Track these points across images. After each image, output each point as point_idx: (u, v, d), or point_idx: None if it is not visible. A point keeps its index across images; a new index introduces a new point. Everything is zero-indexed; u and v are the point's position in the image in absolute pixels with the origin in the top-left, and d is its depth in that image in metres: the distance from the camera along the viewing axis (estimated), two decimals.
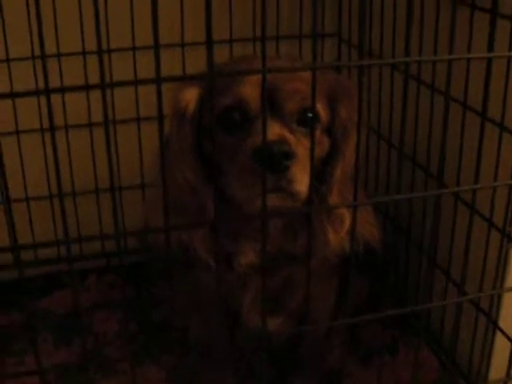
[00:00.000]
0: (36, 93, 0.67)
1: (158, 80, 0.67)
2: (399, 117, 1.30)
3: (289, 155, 0.97)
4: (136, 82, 0.69)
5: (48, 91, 0.66)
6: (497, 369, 1.28)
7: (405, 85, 0.85)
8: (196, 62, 1.55)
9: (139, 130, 1.68)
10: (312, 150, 0.81)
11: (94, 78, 1.46)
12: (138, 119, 1.67)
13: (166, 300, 1.60)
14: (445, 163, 1.02)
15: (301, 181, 1.00)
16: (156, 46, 0.65)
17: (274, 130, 1.01)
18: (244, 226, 1.15)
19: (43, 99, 1.36)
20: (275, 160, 0.96)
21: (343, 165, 1.12)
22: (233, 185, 1.03)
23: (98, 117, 1.60)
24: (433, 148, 1.33)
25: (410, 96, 1.25)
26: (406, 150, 1.39)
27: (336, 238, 1.12)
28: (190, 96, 1.11)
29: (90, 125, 1.64)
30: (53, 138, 0.70)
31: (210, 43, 0.68)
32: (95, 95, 1.52)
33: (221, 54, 1.17)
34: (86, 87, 0.68)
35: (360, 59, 0.81)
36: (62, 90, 0.82)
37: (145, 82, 0.69)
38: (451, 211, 1.27)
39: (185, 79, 0.70)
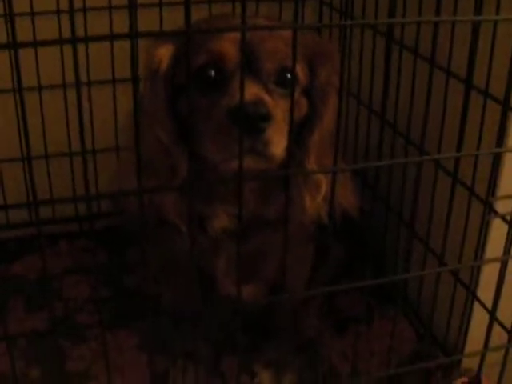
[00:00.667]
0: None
1: (132, 35, 0.64)
2: (380, 82, 1.29)
3: (265, 117, 0.95)
4: (112, 37, 0.65)
5: (16, 45, 0.63)
6: (474, 340, 1.27)
7: (387, 49, 0.83)
8: (175, 23, 1.51)
9: (114, 90, 1.64)
10: (291, 112, 0.79)
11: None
12: (114, 80, 1.63)
13: (139, 265, 1.58)
14: (426, 131, 1.00)
15: (277, 143, 0.98)
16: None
17: (251, 90, 0.97)
18: (218, 188, 1.13)
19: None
20: (251, 121, 0.93)
21: (321, 129, 1.10)
22: (207, 146, 1.00)
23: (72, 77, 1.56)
24: (414, 115, 1.30)
25: (392, 61, 1.23)
26: (386, 117, 1.37)
27: (313, 204, 1.10)
28: (164, 53, 1.07)
29: (64, 85, 1.60)
30: (21, 98, 0.67)
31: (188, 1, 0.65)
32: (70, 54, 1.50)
33: (199, 15, 1.13)
34: (60, 41, 0.64)
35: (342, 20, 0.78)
36: (34, 44, 0.79)
37: (120, 36, 0.66)
38: (432, 180, 1.25)
39: (161, 35, 0.66)
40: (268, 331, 1.38)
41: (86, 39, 0.68)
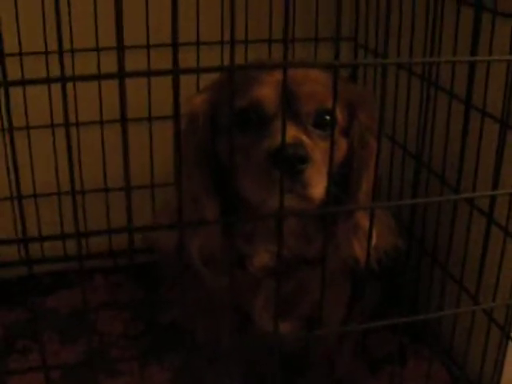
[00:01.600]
0: None
1: (120, 75, 0.65)
2: (414, 122, 1.30)
3: (304, 159, 0.96)
4: (99, 77, 0.67)
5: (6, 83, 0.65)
6: (509, 382, 1.26)
7: (422, 88, 0.84)
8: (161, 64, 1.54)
9: (102, 132, 1.67)
10: (331, 155, 0.80)
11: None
12: (102, 122, 1.66)
13: (174, 302, 1.59)
14: (462, 171, 1.01)
15: (316, 184, 0.99)
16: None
17: (290, 133, 0.99)
18: (259, 227, 1.15)
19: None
20: (290, 163, 0.95)
21: (368, 178, 1.12)
22: (246, 186, 1.02)
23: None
24: (449, 155, 1.31)
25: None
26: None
27: (363, 253, 1.10)
28: (201, 100, 1.12)
29: (102, 122, 1.63)
30: (11, 137, 0.68)
31: (232, 43, 0.67)
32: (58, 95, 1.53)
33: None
34: (48, 80, 0.66)
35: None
36: (23, 82, 0.81)
37: (107, 76, 0.67)
38: (466, 220, 1.25)
39: (150, 74, 0.68)
40: (302, 369, 1.37)
41: (74, 78, 0.69)
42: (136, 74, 0.69)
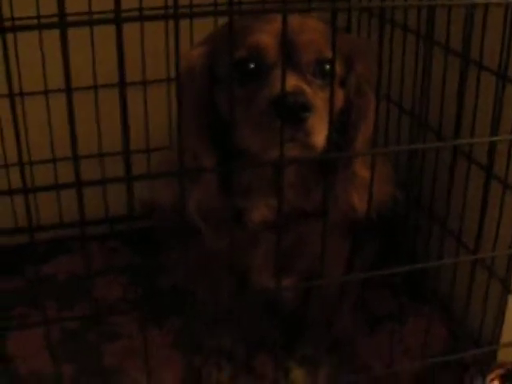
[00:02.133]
0: None
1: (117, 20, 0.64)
2: (410, 79, 1.30)
3: (306, 107, 0.96)
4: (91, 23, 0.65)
5: None
6: (509, 334, 1.26)
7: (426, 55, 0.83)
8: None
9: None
10: (331, 101, 0.80)
11: None
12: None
13: (173, 265, 1.58)
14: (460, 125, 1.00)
15: (318, 132, 0.99)
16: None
17: (291, 81, 0.99)
18: (256, 181, 1.15)
19: None
20: (293, 111, 0.94)
21: (365, 130, 1.12)
22: (247, 137, 1.01)
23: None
24: (445, 110, 1.31)
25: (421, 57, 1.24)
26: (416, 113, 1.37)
27: (361, 203, 1.11)
28: (198, 53, 1.11)
29: (96, 87, 1.62)
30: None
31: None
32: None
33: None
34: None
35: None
36: None
37: (103, 22, 0.66)
38: (464, 173, 1.25)
39: (147, 19, 0.67)
40: (302, 328, 1.38)
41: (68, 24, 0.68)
42: (132, 19, 0.68)
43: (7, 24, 0.63)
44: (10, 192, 0.87)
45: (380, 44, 0.80)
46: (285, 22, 0.72)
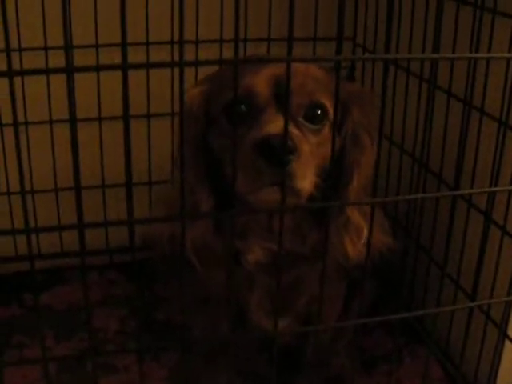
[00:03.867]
0: None
1: (124, 67, 0.65)
2: (412, 121, 1.31)
3: (291, 149, 0.95)
4: (98, 69, 0.66)
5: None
6: (505, 381, 1.26)
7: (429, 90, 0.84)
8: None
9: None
10: (333, 146, 0.80)
11: None
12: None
13: (170, 298, 1.58)
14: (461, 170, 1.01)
15: (303, 177, 0.98)
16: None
17: (279, 124, 0.98)
18: (252, 223, 1.14)
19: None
20: (276, 153, 0.94)
21: (360, 176, 1.11)
22: (236, 179, 1.01)
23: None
24: (447, 154, 1.32)
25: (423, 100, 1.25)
26: (417, 156, 1.38)
27: (354, 250, 1.11)
28: (196, 92, 1.12)
29: (100, 119, 1.63)
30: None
31: (236, 37, 0.67)
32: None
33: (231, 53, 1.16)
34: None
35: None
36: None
37: (110, 68, 0.67)
38: (464, 218, 1.26)
39: (153, 66, 0.68)
40: (297, 366, 1.37)
41: (77, 69, 0.69)
42: (139, 66, 0.69)
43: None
44: (13, 231, 0.87)
45: (384, 88, 0.81)
46: (288, 71, 0.73)
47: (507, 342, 1.24)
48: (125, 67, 0.65)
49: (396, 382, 1.38)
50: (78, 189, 0.71)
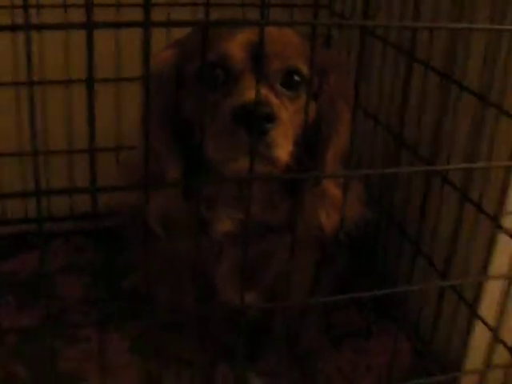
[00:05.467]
0: None
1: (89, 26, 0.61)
2: (387, 93, 1.28)
3: (270, 117, 0.93)
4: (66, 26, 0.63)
5: None
6: (474, 359, 1.25)
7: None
8: None
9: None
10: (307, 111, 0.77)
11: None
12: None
13: (135, 266, 1.55)
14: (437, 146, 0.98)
15: (281, 146, 0.96)
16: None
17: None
18: (221, 192, 1.12)
19: None
20: (255, 121, 0.91)
21: (336, 145, 1.09)
22: (209, 145, 0.98)
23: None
24: (423, 127, 1.29)
25: (401, 72, 1.22)
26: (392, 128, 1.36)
27: (329, 221, 1.09)
28: (167, 56, 1.09)
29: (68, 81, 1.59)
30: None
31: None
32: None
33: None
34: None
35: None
36: None
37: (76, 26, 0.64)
38: (438, 195, 1.23)
39: (120, 26, 0.65)
40: (265, 340, 1.36)
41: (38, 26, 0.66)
42: (106, 25, 0.65)
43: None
44: None
45: (361, 57, 0.78)
46: (262, 35, 0.70)
47: (478, 321, 1.22)
48: (90, 26, 0.61)
49: (363, 357, 1.36)
50: (35, 153, 0.68)
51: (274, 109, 0.95)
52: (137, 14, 1.46)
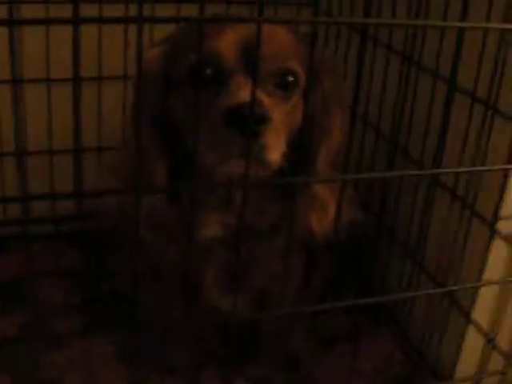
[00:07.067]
0: None
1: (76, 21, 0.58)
2: (376, 95, 1.26)
3: (263, 119, 0.91)
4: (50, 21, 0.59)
5: None
6: (467, 365, 1.24)
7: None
8: None
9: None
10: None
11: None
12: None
13: (119, 270, 1.52)
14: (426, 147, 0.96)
15: (274, 149, 0.94)
16: None
17: (249, 91, 0.92)
18: (209, 196, 1.09)
19: None
20: (247, 123, 0.88)
21: (328, 149, 1.08)
22: (200, 148, 0.95)
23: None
24: (414, 129, 1.27)
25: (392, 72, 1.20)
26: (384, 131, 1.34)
27: (320, 225, 1.07)
28: (154, 54, 1.06)
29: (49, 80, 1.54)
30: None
31: None
32: None
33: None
34: None
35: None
36: None
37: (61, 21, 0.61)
38: (439, 201, 1.21)
39: (108, 21, 0.62)
40: (252, 345, 1.34)
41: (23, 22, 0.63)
42: (91, 20, 0.62)
43: None
44: None
45: (360, 60, 0.76)
46: (259, 32, 0.67)
47: (471, 326, 1.20)
48: (76, 20, 0.58)
49: (354, 362, 1.34)
50: (20, 154, 0.65)
51: (266, 110, 0.93)
52: (120, 11, 1.46)
